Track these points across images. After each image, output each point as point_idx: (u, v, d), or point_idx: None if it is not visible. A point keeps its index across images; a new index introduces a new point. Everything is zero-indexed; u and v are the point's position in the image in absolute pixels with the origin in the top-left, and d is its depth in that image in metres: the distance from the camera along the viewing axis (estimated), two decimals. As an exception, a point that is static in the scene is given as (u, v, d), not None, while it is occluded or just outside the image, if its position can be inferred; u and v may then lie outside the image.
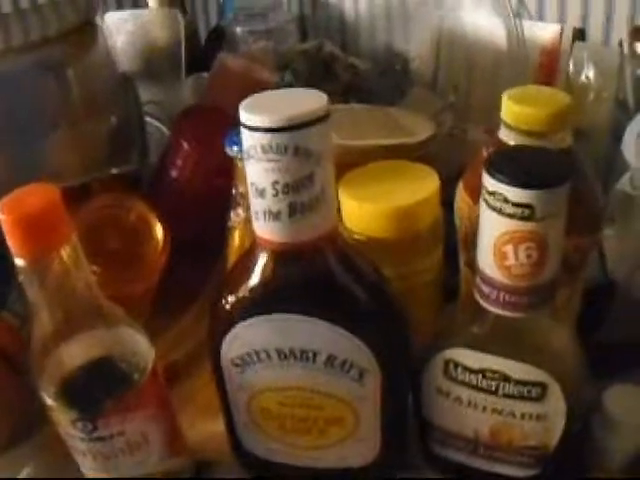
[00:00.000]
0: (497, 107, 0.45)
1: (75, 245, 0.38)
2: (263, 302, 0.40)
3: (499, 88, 0.46)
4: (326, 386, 0.42)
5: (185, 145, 0.56)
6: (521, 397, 0.41)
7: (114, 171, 0.50)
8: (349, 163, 0.47)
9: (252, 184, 0.37)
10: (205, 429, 0.50)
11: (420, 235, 0.47)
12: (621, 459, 0.48)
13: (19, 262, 0.37)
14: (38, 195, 0.37)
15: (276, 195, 0.36)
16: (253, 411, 0.44)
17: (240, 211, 0.49)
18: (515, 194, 0.36)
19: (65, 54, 0.49)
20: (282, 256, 0.38)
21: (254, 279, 0.39)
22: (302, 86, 0.55)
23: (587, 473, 0.48)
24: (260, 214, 0.37)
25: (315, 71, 0.60)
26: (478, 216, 0.40)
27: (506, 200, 0.36)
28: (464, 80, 0.62)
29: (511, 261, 0.37)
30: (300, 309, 0.39)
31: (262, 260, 0.39)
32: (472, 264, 0.43)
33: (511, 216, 0.36)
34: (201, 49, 0.70)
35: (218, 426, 0.49)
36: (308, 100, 0.36)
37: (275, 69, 0.58)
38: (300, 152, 0.35)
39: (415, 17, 0.65)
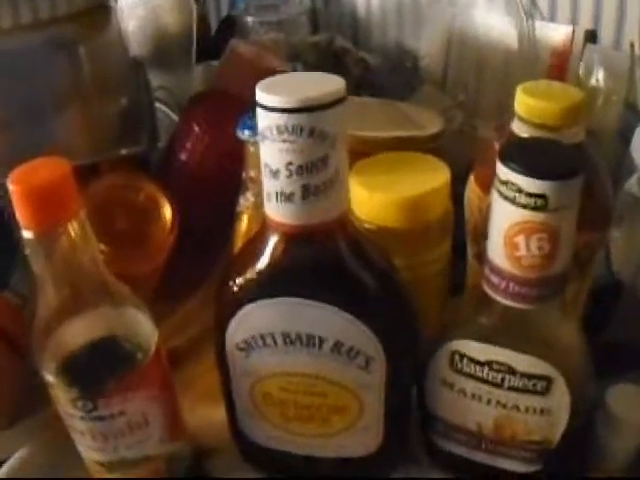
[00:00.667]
0: (507, 106, 0.46)
1: (83, 220, 0.38)
2: (271, 284, 0.40)
3: (509, 88, 0.46)
4: (331, 373, 0.42)
5: (196, 128, 0.56)
6: (526, 390, 0.41)
7: (123, 152, 0.50)
8: (359, 153, 0.48)
9: (266, 165, 0.37)
10: (205, 415, 0.49)
11: (430, 226, 0.47)
12: (623, 458, 0.48)
13: (27, 234, 0.36)
14: (49, 167, 0.37)
15: (290, 176, 0.36)
16: (256, 397, 0.44)
17: (249, 196, 0.49)
18: (529, 184, 0.36)
19: (77, 33, 0.49)
20: (293, 239, 0.38)
21: (263, 261, 0.39)
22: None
23: (588, 471, 0.48)
24: (272, 195, 0.37)
25: (325, 64, 0.60)
26: (488, 207, 0.40)
27: (520, 190, 0.36)
28: (474, 79, 0.62)
29: (522, 252, 0.38)
30: (309, 293, 0.39)
31: (272, 242, 0.39)
32: (480, 256, 0.44)
33: (524, 206, 0.36)
34: (212, 37, 0.71)
35: (219, 413, 0.49)
36: (326, 83, 0.36)
37: (286, 60, 0.59)
38: (315, 134, 0.35)
39: (427, 14, 0.65)
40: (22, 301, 0.52)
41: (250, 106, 0.38)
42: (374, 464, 0.47)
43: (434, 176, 0.47)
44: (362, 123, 0.52)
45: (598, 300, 0.50)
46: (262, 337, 0.41)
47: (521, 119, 0.43)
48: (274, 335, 0.41)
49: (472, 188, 0.47)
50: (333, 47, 0.62)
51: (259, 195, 0.47)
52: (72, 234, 0.37)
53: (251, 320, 0.41)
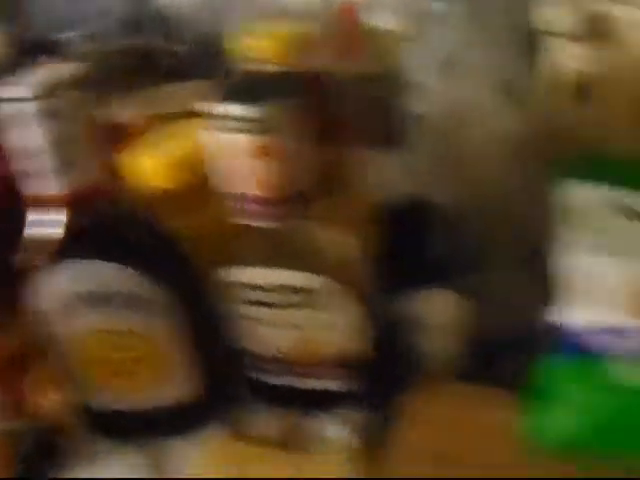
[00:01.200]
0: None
1: None
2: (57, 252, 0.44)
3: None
4: (130, 326, 0.46)
5: None
6: (308, 306, 0.45)
7: None
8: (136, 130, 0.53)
9: (17, 150, 0.42)
10: (50, 398, 0.52)
11: (194, 185, 0.50)
12: (444, 361, 0.52)
13: None
14: None
15: (40, 155, 0.41)
16: (74, 362, 0.48)
17: None
18: (242, 110, 0.40)
19: None
20: (68, 206, 0.43)
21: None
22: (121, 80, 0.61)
23: (413, 380, 0.51)
24: (33, 173, 0.42)
25: (135, 64, 0.65)
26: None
27: (234, 118, 0.40)
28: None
29: (254, 175, 0.42)
30: (88, 253, 0.44)
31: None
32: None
33: (242, 132, 0.41)
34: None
35: (60, 397, 0.52)
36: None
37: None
38: (51, 115, 0.41)
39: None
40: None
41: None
42: (195, 409, 0.50)
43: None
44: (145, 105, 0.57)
45: (397, 220, 0.54)
46: (61, 301, 0.45)
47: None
48: (69, 298, 0.45)
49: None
50: (144, 48, 0.67)
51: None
52: None
53: (45, 289, 0.45)
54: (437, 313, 0.51)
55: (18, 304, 0.49)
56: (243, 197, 0.43)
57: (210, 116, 0.41)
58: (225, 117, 0.41)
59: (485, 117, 0.56)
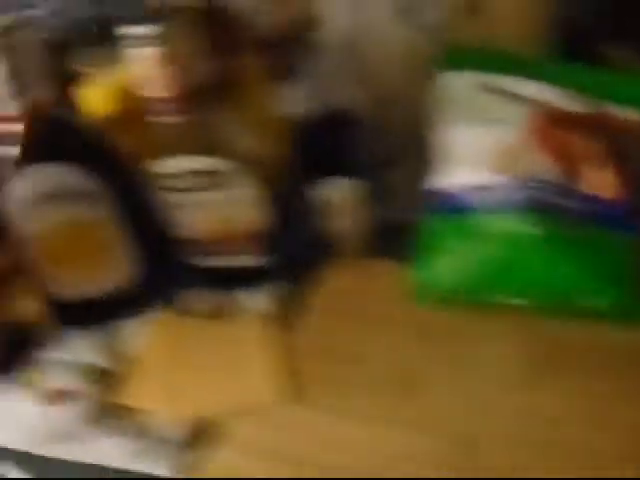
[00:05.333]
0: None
1: None
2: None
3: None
4: (74, 217, 0.60)
5: None
6: (217, 187, 0.58)
7: None
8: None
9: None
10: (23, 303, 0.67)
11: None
12: (349, 238, 0.64)
13: None
14: None
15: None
16: (39, 258, 0.62)
17: None
18: (142, 30, 0.54)
19: None
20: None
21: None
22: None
23: (322, 257, 0.64)
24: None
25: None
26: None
27: (132, 37, 0.55)
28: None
29: (154, 78, 0.56)
30: (45, 159, 0.58)
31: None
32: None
33: (137, 45, 0.55)
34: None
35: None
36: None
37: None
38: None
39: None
40: None
41: None
42: (139, 292, 0.63)
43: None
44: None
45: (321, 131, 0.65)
46: (25, 203, 0.59)
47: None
48: (28, 198, 0.59)
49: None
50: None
51: None
52: None
53: (15, 192, 0.59)
54: (340, 198, 0.62)
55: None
56: (155, 100, 0.57)
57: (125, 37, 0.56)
58: (134, 37, 0.55)
59: (385, 34, 0.68)
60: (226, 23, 0.61)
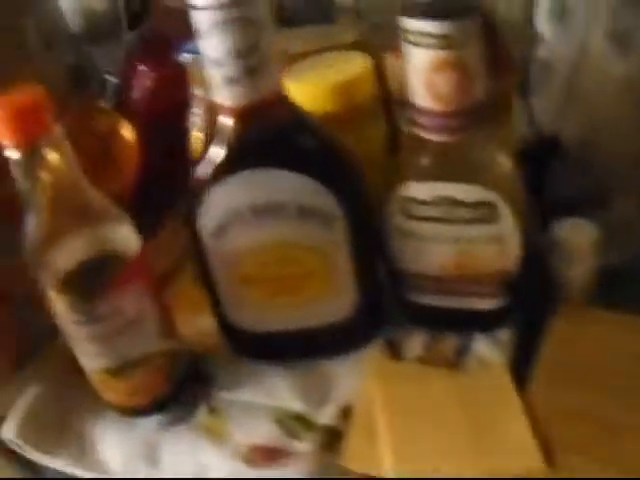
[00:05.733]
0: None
1: (60, 137, 0.46)
2: (232, 162, 0.48)
3: None
4: (299, 238, 0.50)
5: (141, 67, 0.65)
6: (475, 220, 0.49)
7: (76, 102, 0.57)
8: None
9: (208, 58, 0.45)
10: (194, 325, 0.57)
11: (359, 106, 0.56)
12: (578, 285, 0.56)
13: (13, 154, 0.44)
14: (25, 92, 0.45)
15: (232, 62, 0.44)
16: (236, 282, 0.52)
17: (197, 110, 0.58)
18: (433, 26, 0.44)
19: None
20: (243, 117, 0.46)
21: (221, 144, 0.47)
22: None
23: (551, 304, 0.56)
24: (220, 82, 0.46)
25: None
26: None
27: (425, 34, 0.45)
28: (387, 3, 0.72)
29: (439, 88, 0.46)
30: (266, 163, 0.47)
31: (226, 126, 0.47)
32: (407, 118, 0.52)
33: (432, 47, 0.45)
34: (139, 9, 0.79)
35: (207, 321, 0.57)
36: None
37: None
38: (247, 22, 0.44)
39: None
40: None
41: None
42: (353, 329, 0.54)
43: (357, 65, 0.57)
44: (290, 43, 0.61)
45: (532, 157, 0.58)
46: (232, 216, 0.49)
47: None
48: (242, 211, 0.48)
49: (391, 63, 0.56)
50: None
51: (205, 108, 0.57)
52: (51, 150, 0.45)
53: (220, 202, 0.49)
54: (575, 241, 0.55)
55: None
56: (421, 110, 0.47)
57: (402, 31, 0.46)
58: (413, 32, 0.45)
59: (599, 63, 0.62)
60: (498, 36, 0.52)
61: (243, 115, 0.46)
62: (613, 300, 0.56)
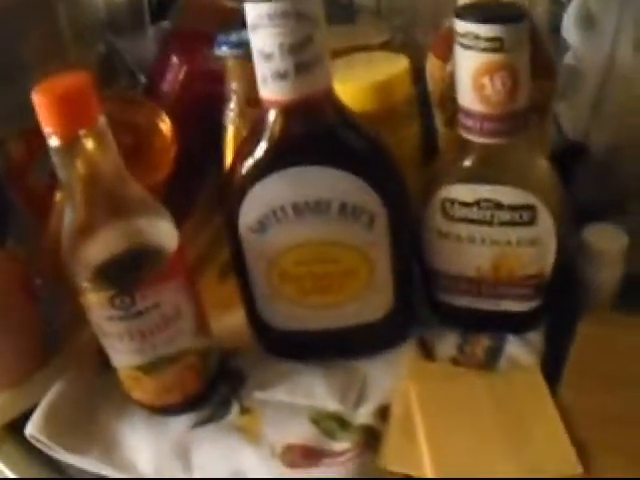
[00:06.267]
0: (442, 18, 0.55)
1: (104, 128, 0.44)
2: (276, 158, 0.47)
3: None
4: (340, 236, 0.49)
5: (174, 59, 0.64)
6: (515, 223, 0.50)
7: (107, 92, 0.56)
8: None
9: (259, 52, 0.45)
10: (222, 322, 0.56)
11: (396, 107, 0.56)
12: (607, 289, 0.57)
13: (53, 142, 0.43)
14: (71, 78, 0.44)
15: (283, 56, 0.44)
16: (272, 278, 0.52)
17: (232, 106, 0.57)
18: (485, 30, 0.45)
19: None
20: (289, 113, 0.46)
21: (265, 140, 0.47)
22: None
23: (579, 308, 0.56)
24: (268, 77, 0.45)
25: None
26: (450, 73, 0.49)
27: (477, 37, 0.45)
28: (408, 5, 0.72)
29: (489, 91, 0.46)
30: (311, 160, 0.47)
31: (272, 121, 0.47)
32: (450, 121, 0.52)
33: (484, 50, 0.45)
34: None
35: (233, 318, 0.56)
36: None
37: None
38: (301, 16, 0.43)
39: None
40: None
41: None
42: (388, 328, 0.54)
43: (394, 65, 0.57)
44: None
45: (559, 162, 0.59)
46: (274, 213, 0.48)
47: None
48: (285, 208, 0.48)
49: (432, 62, 0.56)
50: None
51: (242, 104, 0.56)
52: (94, 140, 0.44)
53: (262, 198, 0.48)
54: (605, 246, 0.56)
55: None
56: (468, 112, 0.47)
57: (455, 34, 0.46)
58: (465, 35, 0.45)
59: (626, 70, 0.63)
60: (540, 41, 0.53)
61: (289, 111, 0.46)
62: (633, 305, 0.57)
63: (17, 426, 0.54)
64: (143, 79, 0.68)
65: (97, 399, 0.55)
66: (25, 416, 0.54)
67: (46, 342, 0.57)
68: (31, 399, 0.54)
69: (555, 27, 0.65)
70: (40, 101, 0.42)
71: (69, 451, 0.52)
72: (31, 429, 0.52)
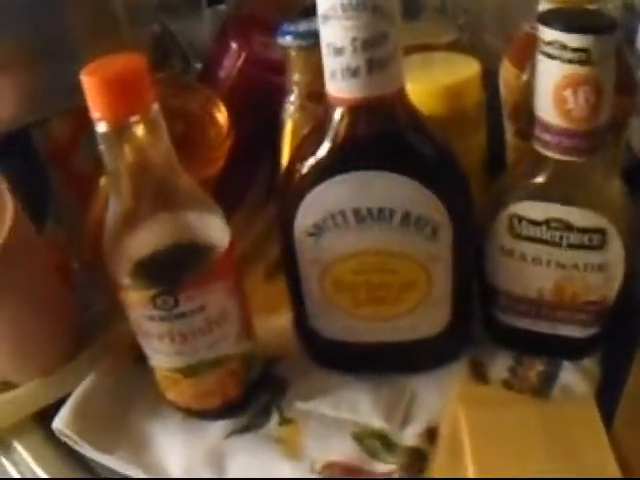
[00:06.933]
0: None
1: (156, 114, 0.41)
2: (340, 161, 0.44)
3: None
4: (402, 247, 0.46)
5: (233, 45, 0.61)
6: (583, 246, 0.47)
7: (159, 76, 0.53)
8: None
9: (329, 45, 0.41)
10: (266, 326, 0.53)
11: (466, 113, 0.53)
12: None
13: (101, 127, 0.40)
14: (123, 61, 0.40)
15: (355, 52, 0.41)
16: (326, 285, 0.49)
17: (293, 99, 0.54)
18: (573, 39, 0.42)
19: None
20: (358, 113, 0.43)
21: (329, 139, 0.44)
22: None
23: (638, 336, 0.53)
24: (338, 73, 0.42)
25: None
26: (526, 83, 0.46)
27: (564, 46, 0.42)
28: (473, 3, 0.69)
29: (571, 105, 0.43)
30: (377, 165, 0.43)
31: (337, 120, 0.43)
32: (521, 133, 0.49)
33: (570, 61, 0.42)
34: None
35: (279, 321, 0.54)
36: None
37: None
38: (377, 10, 0.40)
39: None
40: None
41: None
42: (441, 345, 0.51)
43: (465, 68, 0.53)
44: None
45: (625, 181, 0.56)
46: (333, 217, 0.45)
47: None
48: (345, 213, 0.45)
49: (507, 69, 0.53)
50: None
51: (303, 97, 0.53)
52: (145, 127, 0.41)
53: (321, 201, 0.45)
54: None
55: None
56: (546, 126, 0.44)
57: (538, 41, 0.42)
58: (550, 43, 0.42)
59: None
60: (622, 55, 0.49)
61: (358, 110, 0.43)
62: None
63: (46, 416, 0.51)
64: (197, 64, 0.65)
65: (130, 396, 0.52)
66: (55, 406, 0.51)
67: (82, 330, 0.54)
68: (62, 389, 0.52)
69: (628, 39, 0.62)
70: (89, 83, 0.38)
71: (96, 449, 0.49)
72: (58, 423, 0.50)
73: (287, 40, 0.52)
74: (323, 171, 0.44)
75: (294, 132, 0.54)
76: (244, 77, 0.61)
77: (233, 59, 0.61)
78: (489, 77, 0.56)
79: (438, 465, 0.47)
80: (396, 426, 0.49)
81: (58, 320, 0.53)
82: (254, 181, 0.60)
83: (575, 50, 0.42)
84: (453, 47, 0.59)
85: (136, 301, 0.45)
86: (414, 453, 0.47)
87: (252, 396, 0.51)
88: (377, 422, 0.49)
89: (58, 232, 0.57)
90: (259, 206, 0.61)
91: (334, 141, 0.44)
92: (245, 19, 0.64)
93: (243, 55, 0.60)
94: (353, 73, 0.41)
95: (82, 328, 0.55)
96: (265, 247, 0.59)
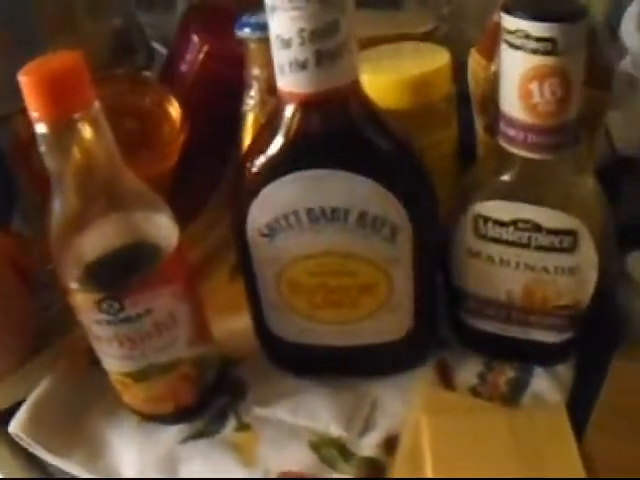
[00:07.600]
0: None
1: (97, 113, 0.39)
2: (291, 159, 0.41)
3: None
4: (358, 248, 0.44)
5: (195, 38, 0.59)
6: (553, 248, 0.44)
7: (119, 71, 0.51)
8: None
9: (277, 37, 0.39)
10: (227, 326, 0.51)
11: (434, 106, 0.50)
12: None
13: (40, 128, 0.38)
14: (60, 59, 0.38)
15: (303, 44, 0.38)
16: (282, 287, 0.46)
17: (253, 93, 0.52)
18: (538, 28, 0.38)
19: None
20: (309, 108, 0.40)
21: (280, 136, 0.41)
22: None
23: (616, 340, 0.50)
24: (286, 66, 0.39)
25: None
26: (494, 73, 0.43)
27: (528, 36, 0.39)
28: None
29: (537, 99, 0.40)
30: (330, 163, 0.41)
31: (288, 115, 0.41)
32: (490, 127, 0.46)
33: (534, 51, 0.39)
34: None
35: (240, 322, 0.51)
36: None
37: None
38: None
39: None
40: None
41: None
42: (405, 350, 0.49)
43: (435, 58, 0.50)
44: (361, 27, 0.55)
45: (605, 179, 0.53)
46: (286, 217, 0.43)
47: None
48: (298, 213, 0.42)
49: (476, 60, 0.50)
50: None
51: (264, 92, 0.50)
52: (86, 127, 0.38)
53: (273, 200, 0.42)
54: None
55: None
56: (511, 121, 0.41)
57: (502, 30, 0.39)
58: (514, 32, 0.39)
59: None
60: (597, 46, 0.46)
61: (309, 105, 0.40)
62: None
63: (3, 420, 0.49)
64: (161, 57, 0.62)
65: (87, 399, 0.50)
66: (11, 409, 0.49)
67: (39, 331, 0.52)
68: (18, 393, 0.49)
69: (612, 29, 0.59)
70: (25, 83, 0.37)
71: (52, 453, 0.48)
72: (14, 427, 0.48)
73: (246, 32, 0.49)
74: (274, 169, 0.42)
75: (254, 127, 0.52)
76: (206, 71, 0.59)
77: (195, 52, 0.58)
78: (464, 69, 0.54)
79: (396, 476, 0.44)
80: (354, 435, 0.46)
81: (13, 321, 0.50)
82: (220, 180, 0.57)
83: (539, 40, 0.39)
84: (428, 37, 0.56)
85: (83, 305, 0.43)
86: (371, 464, 0.44)
87: (208, 400, 0.49)
88: (335, 430, 0.46)
89: (24, 230, 0.56)
90: (224, 206, 0.58)
91: (286, 138, 0.41)
92: (207, 11, 0.61)
93: (205, 48, 0.58)
94: (301, 66, 0.38)
95: (39, 330, 0.53)
96: (231, 247, 0.57)
